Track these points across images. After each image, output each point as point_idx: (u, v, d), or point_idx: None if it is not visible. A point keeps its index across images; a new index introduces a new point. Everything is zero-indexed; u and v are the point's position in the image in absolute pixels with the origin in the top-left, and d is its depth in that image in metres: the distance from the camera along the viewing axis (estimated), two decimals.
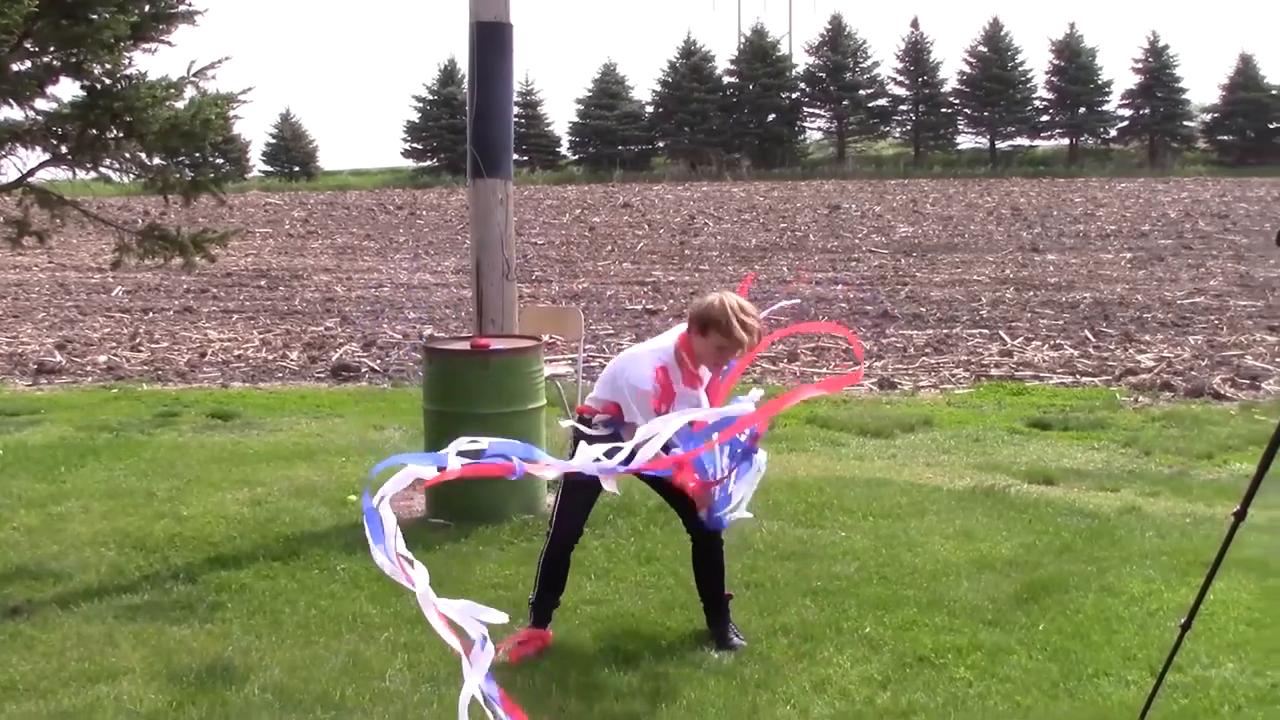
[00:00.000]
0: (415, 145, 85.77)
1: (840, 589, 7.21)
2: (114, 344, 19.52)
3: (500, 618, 4.60)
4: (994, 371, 16.36)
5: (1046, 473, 10.46)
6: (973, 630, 6.52)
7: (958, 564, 7.69)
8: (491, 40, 9.52)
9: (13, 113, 8.79)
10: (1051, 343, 18.40)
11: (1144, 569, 7.52)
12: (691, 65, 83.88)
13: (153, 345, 19.39)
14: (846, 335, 7.40)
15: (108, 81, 8.54)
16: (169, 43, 8.84)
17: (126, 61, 8.62)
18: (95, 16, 8.01)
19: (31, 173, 8.99)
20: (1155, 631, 6.42)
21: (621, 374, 6.19)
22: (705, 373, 6.26)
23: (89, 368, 17.44)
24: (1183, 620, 5.24)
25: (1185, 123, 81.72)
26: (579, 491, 6.29)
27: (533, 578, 6.56)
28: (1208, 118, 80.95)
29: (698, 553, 6.52)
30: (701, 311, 6.07)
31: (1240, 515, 5.02)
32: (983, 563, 7.71)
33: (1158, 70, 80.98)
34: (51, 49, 8.38)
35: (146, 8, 8.51)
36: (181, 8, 8.74)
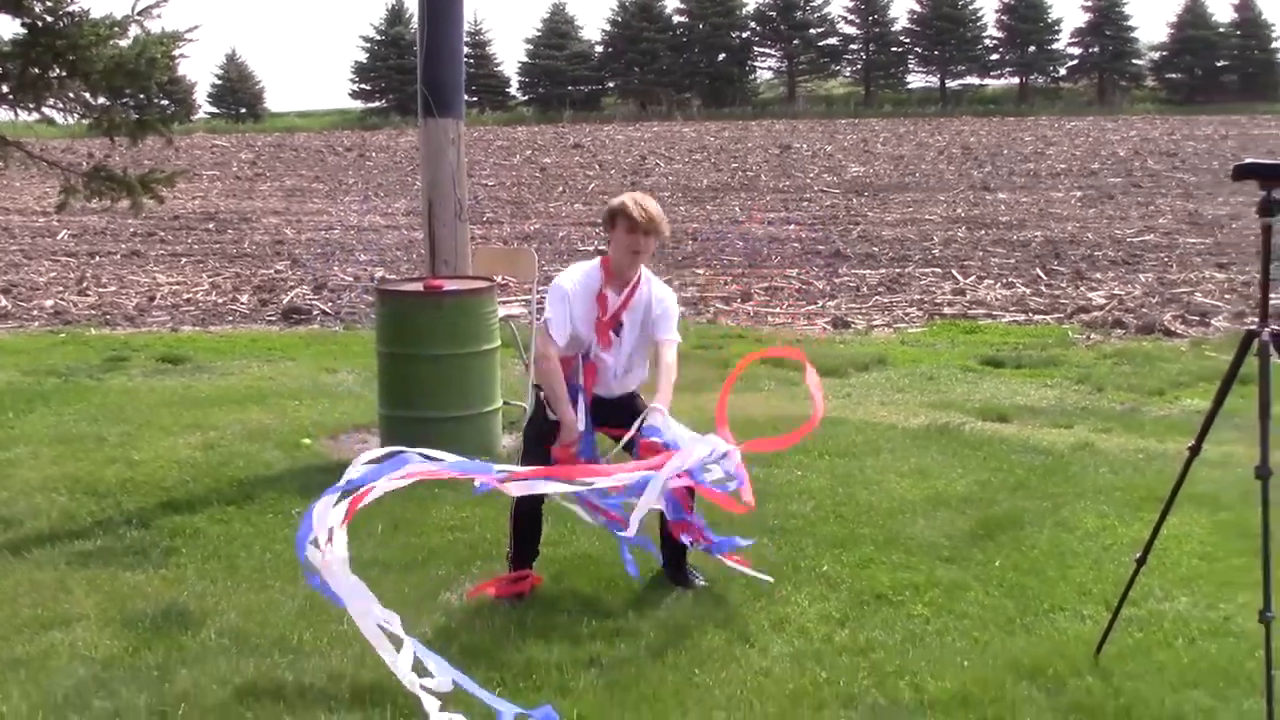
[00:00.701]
0: (363, 86, 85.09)
1: (797, 528, 7.22)
2: (60, 288, 19.27)
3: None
4: (947, 310, 16.41)
5: (1000, 410, 10.51)
6: (929, 567, 6.55)
7: (914, 502, 7.71)
8: None
9: None
10: (1004, 281, 18.47)
11: (1098, 504, 7.57)
12: (641, 4, 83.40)
13: (100, 289, 19.16)
14: (804, 363, 7.24)
15: (49, 19, 8.34)
16: None
17: None
18: None
19: None
20: (1110, 566, 6.47)
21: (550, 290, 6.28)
22: (613, 297, 6.24)
23: (35, 312, 17.23)
24: (1138, 555, 5.27)
25: (1134, 61, 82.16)
26: (537, 448, 6.22)
27: (506, 533, 6.47)
28: (1156, 56, 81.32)
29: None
30: (608, 208, 6.22)
31: (1195, 450, 5.04)
32: (938, 500, 7.74)
33: (1107, 8, 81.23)
34: None
35: None
36: None
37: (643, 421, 6.10)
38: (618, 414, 6.32)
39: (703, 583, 6.36)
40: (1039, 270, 19.28)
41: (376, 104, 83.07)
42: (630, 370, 6.38)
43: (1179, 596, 6.06)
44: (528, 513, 6.32)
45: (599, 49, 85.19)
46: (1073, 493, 7.83)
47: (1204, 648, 5.48)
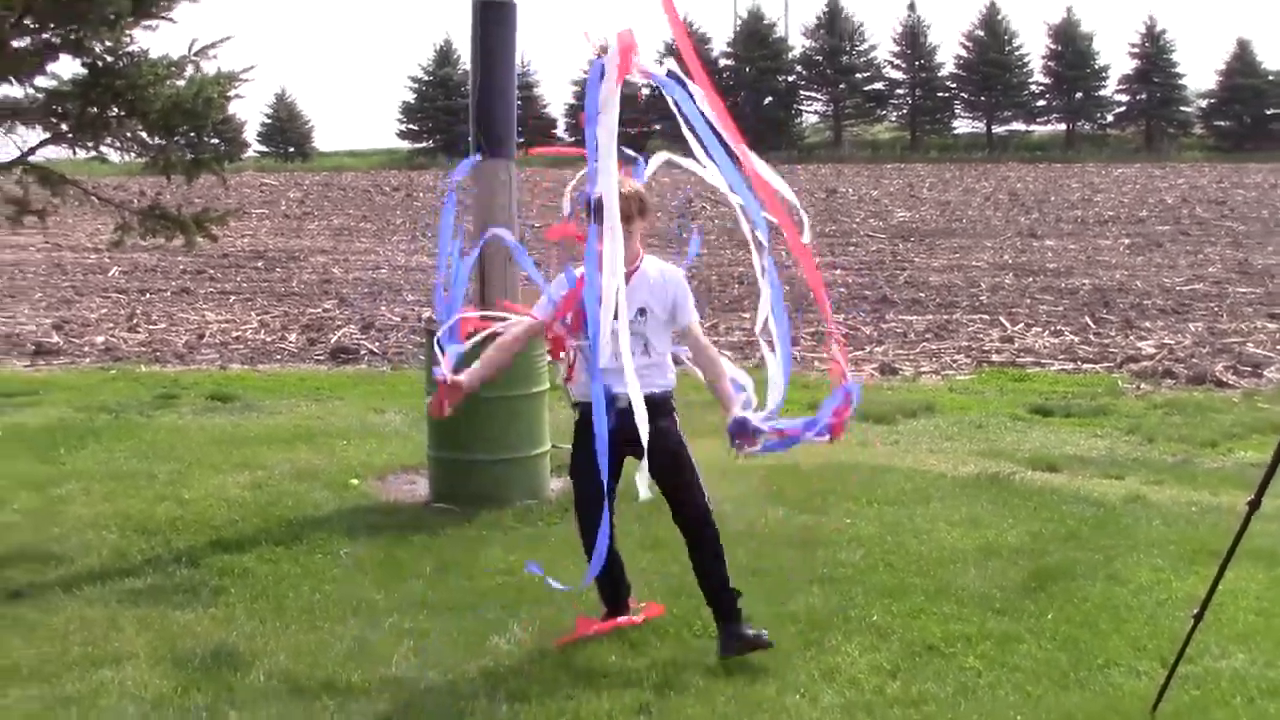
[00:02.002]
0: (411, 126, 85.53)
1: (847, 576, 7.17)
2: (111, 325, 19.44)
3: None
4: (995, 358, 16.32)
5: (1050, 460, 10.42)
6: (981, 619, 6.48)
7: (964, 551, 7.65)
8: (495, 20, 9.43)
9: (13, 90, 8.73)
10: (1052, 329, 18.36)
11: (1151, 558, 7.48)
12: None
13: (150, 326, 19.32)
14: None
15: (109, 59, 8.46)
16: (170, 20, 8.76)
17: (128, 39, 8.54)
18: None
19: (32, 151, 8.92)
20: (1164, 621, 6.38)
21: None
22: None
23: (86, 348, 17.38)
24: (1195, 610, 5.20)
25: (1182, 108, 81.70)
26: (578, 451, 6.15)
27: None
28: (1204, 103, 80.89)
29: (690, 544, 6.24)
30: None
31: (1255, 505, 4.98)
32: (989, 550, 7.67)
33: (1155, 55, 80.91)
34: (52, 26, 8.30)
35: None
36: None
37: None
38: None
39: (765, 636, 6.02)
40: (1087, 318, 19.16)
41: (424, 144, 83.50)
42: (653, 363, 6.12)
43: (1236, 654, 5.97)
44: (584, 524, 6.17)
45: (645, 91, 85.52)
46: (1125, 545, 7.74)
47: (1263, 707, 5.40)
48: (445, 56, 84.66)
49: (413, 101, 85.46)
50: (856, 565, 7.39)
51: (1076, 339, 17.52)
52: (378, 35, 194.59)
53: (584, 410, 6.07)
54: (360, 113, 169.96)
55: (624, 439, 5.80)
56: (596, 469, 5.80)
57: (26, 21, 8.09)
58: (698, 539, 6.19)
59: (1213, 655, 5.93)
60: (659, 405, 6.03)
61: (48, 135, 8.88)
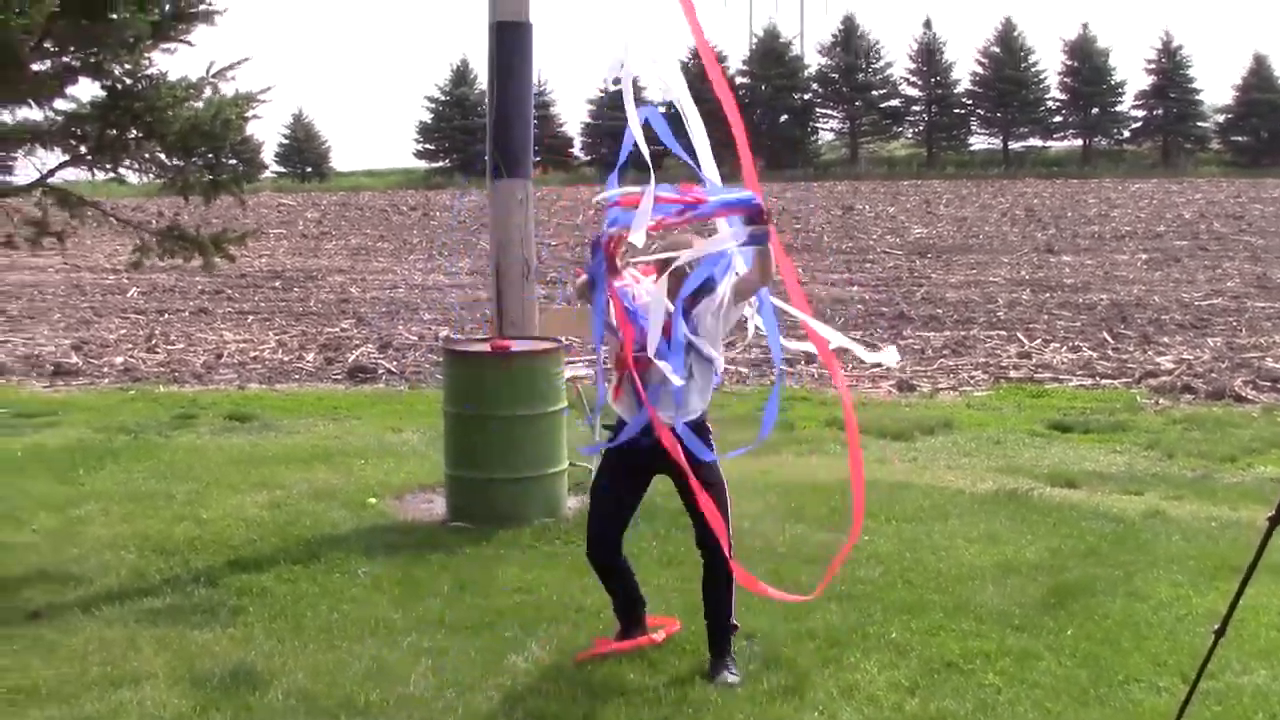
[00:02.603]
0: (428, 146, 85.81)
1: (865, 594, 7.16)
2: (130, 345, 19.50)
3: None
4: (1013, 373, 16.27)
5: (1069, 476, 10.39)
6: (1000, 635, 6.46)
7: (983, 568, 7.63)
8: (512, 40, 9.48)
9: (33, 113, 8.76)
10: (1070, 344, 18.31)
11: (1171, 574, 7.46)
12: (703, 66, 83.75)
13: (169, 346, 19.37)
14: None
15: (128, 81, 8.49)
16: (189, 42, 8.77)
17: (147, 61, 8.57)
18: (115, 16, 7.94)
19: (51, 173, 8.95)
20: (1185, 637, 6.36)
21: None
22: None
23: (105, 369, 17.42)
24: (1216, 626, 5.17)
25: (1199, 123, 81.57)
26: (594, 500, 6.29)
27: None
28: (1221, 118, 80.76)
29: (706, 569, 6.21)
30: None
31: (1276, 520, 4.95)
32: (1008, 567, 7.65)
33: (1171, 71, 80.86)
34: (72, 49, 8.33)
35: (166, 7, 8.45)
36: (201, 7, 8.66)
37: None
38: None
39: (737, 679, 5.94)
40: (1105, 334, 19.10)
41: (440, 164, 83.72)
42: (696, 386, 6.01)
43: (1258, 669, 5.94)
44: (593, 567, 6.29)
45: (661, 110, 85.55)
46: (1145, 561, 7.72)
47: None
48: (462, 76, 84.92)
49: (429, 121, 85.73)
50: (875, 582, 7.38)
51: (1094, 354, 17.46)
52: (395, 56, 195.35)
53: (617, 430, 6.13)
54: (377, 133, 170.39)
55: (657, 460, 5.92)
56: (611, 513, 6.07)
57: (47, 45, 8.12)
58: (715, 568, 6.16)
59: (1234, 671, 5.91)
60: (697, 428, 6.03)
61: (67, 157, 8.91)
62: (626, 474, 6.17)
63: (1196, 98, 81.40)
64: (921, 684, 5.86)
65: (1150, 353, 17.47)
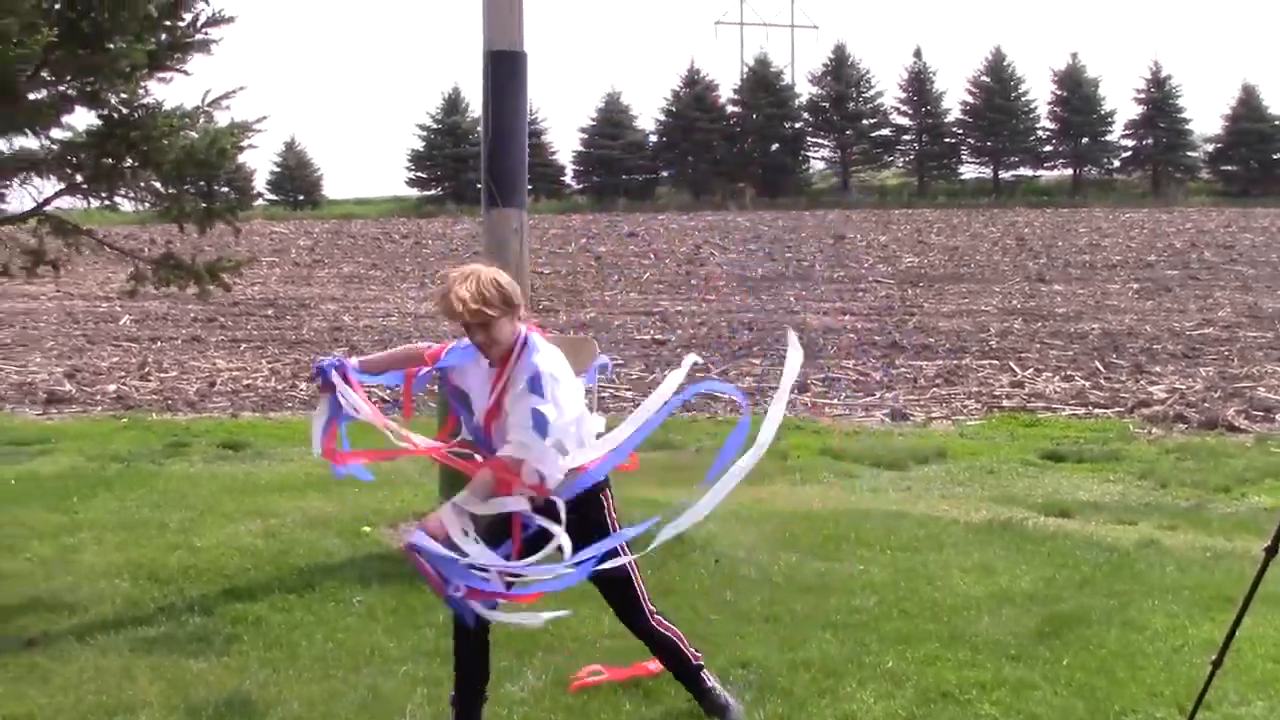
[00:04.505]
0: (419, 174, 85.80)
1: (860, 623, 7.15)
2: (123, 373, 19.49)
3: None
4: (1005, 403, 16.32)
5: (1063, 505, 10.41)
6: (996, 665, 6.45)
7: (978, 598, 7.63)
8: (506, 69, 9.48)
9: (29, 142, 8.77)
10: (1062, 374, 18.36)
11: (1166, 604, 7.46)
12: (695, 95, 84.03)
13: (162, 375, 19.37)
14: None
15: (124, 111, 8.50)
16: (185, 72, 8.80)
17: (143, 91, 8.58)
18: (112, 46, 7.97)
19: (47, 201, 8.96)
20: (1181, 668, 6.35)
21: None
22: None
23: (99, 397, 17.42)
24: (1213, 658, 5.18)
25: (1188, 153, 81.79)
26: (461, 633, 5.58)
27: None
28: (1211, 148, 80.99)
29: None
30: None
31: (1272, 551, 4.96)
32: (1003, 597, 7.65)
33: (1160, 100, 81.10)
34: (68, 78, 8.35)
35: (163, 37, 8.47)
36: (197, 37, 8.70)
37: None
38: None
39: (736, 705, 5.73)
40: (1098, 363, 19.17)
41: (432, 191, 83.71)
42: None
43: (1255, 700, 5.94)
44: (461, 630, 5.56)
45: (653, 138, 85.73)
46: (1140, 591, 7.72)
47: None
48: (454, 104, 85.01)
49: (421, 149, 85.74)
50: (870, 611, 7.37)
51: (1087, 384, 17.52)
52: (386, 83, 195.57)
53: None
54: (369, 161, 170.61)
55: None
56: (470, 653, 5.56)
57: (44, 74, 8.14)
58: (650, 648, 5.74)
59: (1231, 702, 5.90)
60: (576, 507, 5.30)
61: (63, 186, 8.91)
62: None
63: (1186, 127, 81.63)
64: (918, 714, 5.85)
65: (1143, 382, 17.53)
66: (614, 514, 5.55)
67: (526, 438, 5.02)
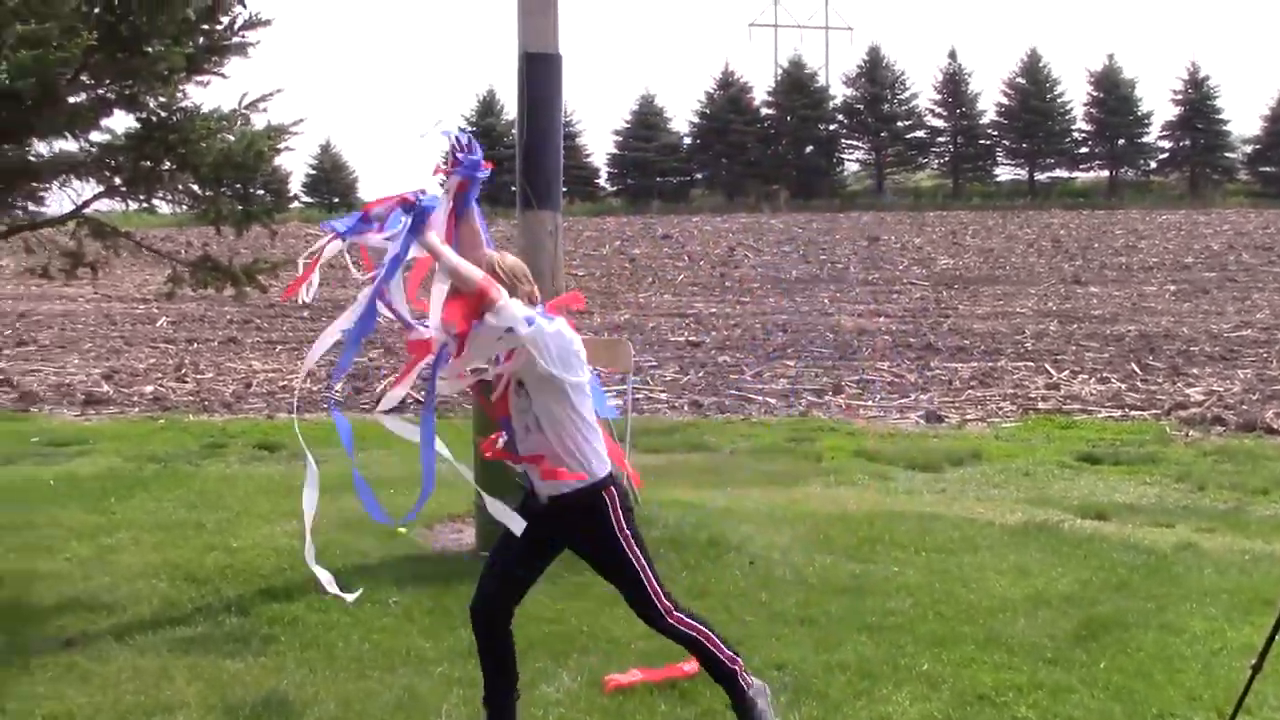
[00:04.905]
0: None
1: (896, 625, 7.13)
2: (160, 374, 19.61)
3: None
4: (1041, 405, 16.24)
5: (1099, 508, 10.36)
6: (1032, 668, 6.43)
7: (1014, 600, 7.59)
8: (541, 72, 9.50)
9: (68, 145, 8.83)
10: (1098, 376, 18.27)
11: (1204, 607, 7.42)
12: (729, 97, 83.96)
13: (198, 376, 19.47)
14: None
15: (162, 114, 8.55)
16: (222, 75, 8.84)
17: (181, 94, 8.64)
18: (151, 49, 8.01)
19: (86, 204, 9.02)
20: (1220, 671, 6.32)
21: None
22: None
23: (136, 398, 17.52)
24: (1253, 661, 5.14)
25: (1226, 154, 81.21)
26: (491, 555, 5.74)
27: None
28: (1249, 149, 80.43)
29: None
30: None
31: None
32: (1039, 599, 7.61)
33: (1198, 101, 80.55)
34: (107, 81, 8.40)
35: (201, 40, 8.52)
36: (235, 40, 8.74)
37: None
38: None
39: (760, 702, 5.52)
40: (1134, 365, 19.06)
41: None
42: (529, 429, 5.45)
43: None
44: (480, 630, 5.62)
45: (687, 141, 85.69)
46: (1178, 594, 7.68)
47: None
48: (489, 107, 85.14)
49: None
50: (906, 613, 7.35)
51: (1123, 386, 17.42)
52: (422, 86, 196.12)
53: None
54: (404, 162, 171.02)
55: (560, 530, 5.55)
56: (501, 574, 5.61)
57: (83, 77, 8.20)
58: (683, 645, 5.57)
59: (1271, 707, 5.86)
60: (574, 505, 5.45)
61: (101, 188, 8.97)
62: (525, 542, 5.56)
63: (1224, 128, 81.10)
64: (954, 717, 5.84)
65: (1180, 384, 17.42)
66: (619, 514, 5.44)
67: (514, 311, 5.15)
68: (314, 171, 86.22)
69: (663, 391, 17.58)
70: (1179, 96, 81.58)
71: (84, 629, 7.10)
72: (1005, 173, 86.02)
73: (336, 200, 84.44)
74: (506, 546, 5.61)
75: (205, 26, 8.55)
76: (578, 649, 6.73)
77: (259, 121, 9.16)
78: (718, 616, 7.14)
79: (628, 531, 5.40)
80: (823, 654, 6.63)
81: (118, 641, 6.88)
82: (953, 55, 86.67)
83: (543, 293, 9.53)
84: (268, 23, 8.83)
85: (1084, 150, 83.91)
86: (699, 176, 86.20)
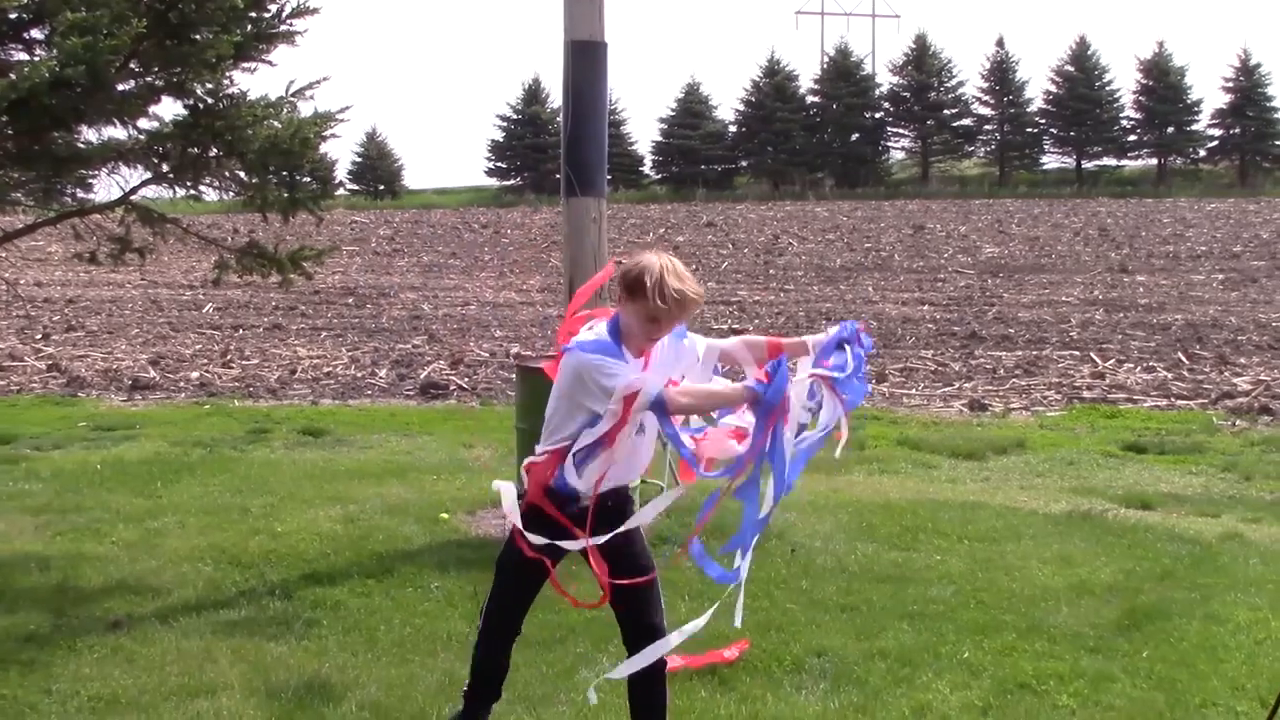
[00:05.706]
0: (499, 164, 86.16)
1: (937, 613, 7.12)
2: (206, 360, 19.76)
3: None
4: (1086, 394, 16.15)
5: (1144, 497, 10.30)
6: (1074, 657, 6.41)
7: (1056, 589, 7.57)
8: (586, 59, 9.52)
9: (117, 132, 8.88)
10: (1144, 365, 18.15)
11: (1249, 597, 7.37)
12: (775, 84, 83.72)
13: (243, 362, 19.61)
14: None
15: (210, 101, 8.59)
16: (270, 62, 8.88)
17: (228, 81, 8.68)
18: (199, 37, 8.06)
19: (134, 191, 9.08)
20: (1264, 661, 6.29)
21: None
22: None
23: (182, 384, 17.67)
24: None
25: (1277, 142, 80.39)
26: (513, 576, 5.47)
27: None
28: None
29: (633, 686, 5.37)
30: (629, 274, 5.11)
31: None
32: (1082, 588, 7.58)
33: (1249, 89, 79.76)
34: (156, 69, 8.45)
35: (249, 28, 8.56)
36: (282, 28, 8.78)
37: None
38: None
39: None
40: (1180, 354, 18.92)
41: (511, 182, 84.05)
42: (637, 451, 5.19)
43: None
44: (490, 657, 5.41)
45: (732, 129, 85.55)
46: (1223, 584, 7.63)
47: None
48: (534, 95, 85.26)
49: (501, 139, 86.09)
50: (947, 602, 7.34)
51: (1169, 375, 17.30)
52: (467, 74, 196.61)
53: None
54: (449, 151, 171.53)
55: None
56: (522, 599, 5.46)
57: (132, 65, 8.25)
58: (645, 677, 5.31)
59: None
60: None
61: (149, 175, 9.03)
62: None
63: (1275, 116, 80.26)
64: (995, 705, 5.83)
65: (1227, 374, 17.29)
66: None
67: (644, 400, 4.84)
68: (359, 159, 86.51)
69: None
70: (1229, 84, 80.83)
71: (130, 611, 7.16)
72: (1052, 161, 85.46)
73: (381, 188, 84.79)
74: (524, 569, 5.39)
75: (253, 14, 8.59)
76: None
77: (305, 109, 9.19)
78: (759, 603, 7.17)
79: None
80: (863, 641, 6.63)
81: (163, 624, 6.95)
82: (1000, 43, 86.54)
83: (584, 277, 9.58)
84: (315, 10, 8.85)
85: (1132, 138, 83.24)
86: (744, 164, 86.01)
